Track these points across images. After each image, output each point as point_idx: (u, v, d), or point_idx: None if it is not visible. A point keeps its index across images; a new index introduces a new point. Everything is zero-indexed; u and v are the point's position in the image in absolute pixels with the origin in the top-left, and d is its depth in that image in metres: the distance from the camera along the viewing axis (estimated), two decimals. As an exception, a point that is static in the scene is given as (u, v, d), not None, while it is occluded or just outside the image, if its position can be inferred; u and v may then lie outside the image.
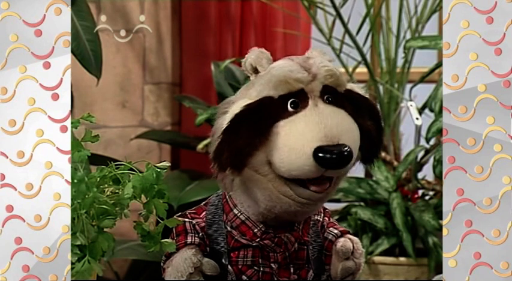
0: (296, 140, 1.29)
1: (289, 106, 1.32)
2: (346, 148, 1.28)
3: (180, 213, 1.43)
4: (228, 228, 1.40)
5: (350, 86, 1.38)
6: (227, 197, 1.41)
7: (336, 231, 1.45)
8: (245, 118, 1.32)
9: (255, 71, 1.38)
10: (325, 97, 1.34)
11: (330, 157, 1.27)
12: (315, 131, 1.29)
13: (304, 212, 1.37)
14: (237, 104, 1.34)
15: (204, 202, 1.45)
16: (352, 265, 1.40)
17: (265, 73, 1.35)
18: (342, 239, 1.42)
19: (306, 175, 1.30)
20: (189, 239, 1.39)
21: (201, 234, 1.40)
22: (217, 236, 1.40)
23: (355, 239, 1.43)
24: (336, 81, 1.35)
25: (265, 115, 1.31)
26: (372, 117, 1.37)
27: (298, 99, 1.33)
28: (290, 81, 1.32)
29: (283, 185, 1.32)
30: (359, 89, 1.39)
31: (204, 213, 1.42)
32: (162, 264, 1.40)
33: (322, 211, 1.47)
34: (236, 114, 1.32)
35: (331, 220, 1.48)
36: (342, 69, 2.95)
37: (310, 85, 1.33)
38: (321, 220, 1.46)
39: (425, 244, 2.70)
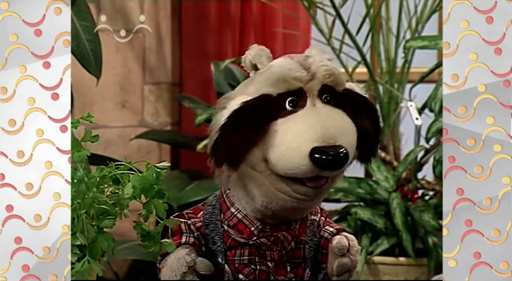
0: (293, 139, 1.29)
1: (287, 105, 1.33)
2: (342, 150, 1.28)
3: (177, 213, 1.43)
4: (225, 227, 1.40)
5: (349, 85, 1.38)
6: (224, 196, 1.42)
7: (331, 229, 1.45)
8: (243, 115, 1.32)
9: (255, 67, 1.38)
10: (323, 96, 1.34)
11: (326, 158, 1.28)
12: (312, 132, 1.29)
13: (301, 208, 1.37)
14: (235, 100, 1.35)
15: (202, 203, 1.45)
16: (348, 262, 1.40)
17: (264, 70, 1.35)
18: (337, 237, 1.42)
19: (302, 174, 1.30)
20: (183, 239, 1.39)
21: (196, 234, 1.40)
22: (214, 236, 1.40)
23: (351, 236, 1.43)
24: (334, 80, 1.35)
25: (263, 112, 1.32)
26: (370, 117, 1.37)
27: (297, 97, 1.33)
28: (289, 80, 1.33)
29: (279, 181, 1.32)
30: (358, 88, 1.39)
31: (201, 213, 1.43)
32: (157, 264, 1.40)
33: (319, 211, 1.47)
34: (234, 111, 1.32)
35: (328, 219, 1.49)
36: (342, 69, 2.95)
37: (308, 84, 1.33)
38: (317, 219, 1.46)
39: (425, 244, 2.70)
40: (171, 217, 1.40)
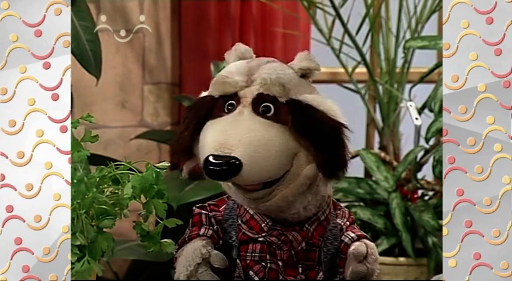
0: (203, 143, 1.32)
1: (225, 108, 1.34)
2: (232, 161, 1.27)
3: (200, 204, 1.44)
4: (239, 222, 1.40)
5: (303, 97, 1.33)
6: None
7: (352, 234, 1.43)
8: (189, 111, 1.37)
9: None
10: (261, 105, 1.32)
11: (213, 168, 1.27)
12: (214, 139, 1.29)
13: (272, 210, 1.36)
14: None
15: (226, 195, 1.45)
16: (364, 270, 1.37)
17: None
18: (356, 243, 1.40)
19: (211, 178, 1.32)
20: (202, 231, 1.40)
21: (215, 227, 1.41)
22: (231, 230, 1.41)
23: (371, 244, 1.40)
24: (267, 89, 1.32)
25: (202, 112, 1.34)
26: (322, 131, 1.32)
27: (236, 103, 1.33)
28: (225, 84, 1.34)
29: (225, 184, 1.38)
30: (313, 100, 1.34)
31: (223, 206, 1.43)
32: (174, 252, 1.40)
33: (346, 215, 1.46)
34: (187, 107, 1.39)
35: (353, 225, 1.46)
36: (342, 69, 2.95)
37: (243, 91, 1.33)
38: (342, 223, 1.44)
39: (425, 244, 2.70)
40: (194, 207, 1.42)
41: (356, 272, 1.38)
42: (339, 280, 1.41)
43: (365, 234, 1.44)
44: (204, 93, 1.38)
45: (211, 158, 1.27)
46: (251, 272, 1.39)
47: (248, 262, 1.39)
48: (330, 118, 1.33)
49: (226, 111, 1.33)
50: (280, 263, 1.39)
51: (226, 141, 1.28)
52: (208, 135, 1.31)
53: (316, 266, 1.40)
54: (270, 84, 1.32)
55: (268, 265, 1.39)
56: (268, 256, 1.39)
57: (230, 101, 1.33)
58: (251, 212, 1.40)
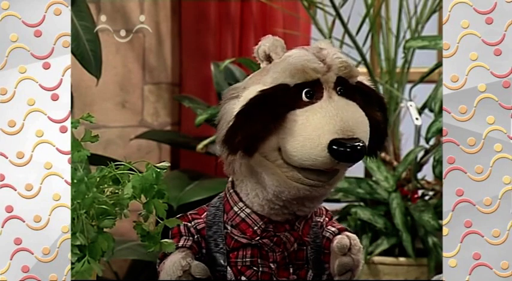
0: (312, 130, 1.30)
1: (304, 95, 1.33)
2: (360, 142, 1.29)
3: (181, 214, 1.43)
4: (228, 228, 1.40)
5: (360, 78, 1.40)
6: (228, 195, 1.42)
7: (333, 229, 1.45)
8: (261, 103, 1.32)
9: (268, 58, 1.38)
10: (338, 88, 1.35)
11: (344, 150, 1.28)
12: (332, 124, 1.29)
13: (313, 197, 1.36)
14: (250, 89, 1.35)
15: (207, 204, 1.45)
16: (350, 261, 1.39)
17: (281, 61, 1.35)
18: (338, 236, 1.41)
19: (318, 166, 1.30)
20: (180, 242, 1.39)
21: (196, 236, 1.40)
22: (217, 238, 1.40)
23: (353, 235, 1.42)
24: (349, 72, 1.36)
25: (281, 101, 1.32)
26: (381, 109, 1.39)
27: (313, 89, 1.33)
28: (307, 71, 1.33)
29: (292, 170, 1.32)
30: (367, 81, 1.41)
31: (204, 214, 1.42)
32: (157, 267, 1.40)
33: (324, 212, 1.47)
34: (251, 99, 1.32)
35: (332, 220, 1.48)
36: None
37: (325, 76, 1.34)
38: (321, 220, 1.46)
39: (425, 244, 2.70)
40: (175, 217, 1.40)
41: (342, 265, 1.39)
42: (327, 277, 1.42)
43: (345, 227, 1.47)
44: (260, 87, 1.34)
45: (337, 142, 1.28)
46: (243, 278, 1.38)
47: (239, 267, 1.39)
48: (383, 98, 1.44)
49: (305, 99, 1.33)
50: (272, 265, 1.38)
51: (345, 124, 1.30)
52: (316, 122, 1.30)
53: (304, 264, 1.41)
54: (350, 68, 1.36)
55: (261, 269, 1.38)
56: (259, 260, 1.39)
57: (307, 89, 1.33)
58: (242, 215, 1.39)
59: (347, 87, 1.35)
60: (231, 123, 1.32)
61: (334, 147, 1.28)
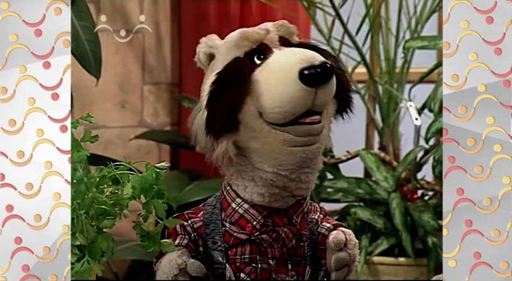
0: (278, 75, 1.33)
1: (256, 60, 1.37)
2: (326, 62, 1.33)
3: (177, 214, 1.43)
4: (227, 225, 1.40)
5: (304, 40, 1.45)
6: (225, 192, 1.42)
7: (328, 225, 1.45)
8: (222, 80, 1.36)
9: (211, 58, 1.44)
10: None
11: (315, 71, 1.31)
12: (292, 60, 1.33)
13: (310, 159, 1.37)
14: (207, 82, 1.39)
15: (202, 204, 1.46)
16: (346, 256, 1.40)
17: (222, 46, 1.42)
18: (334, 232, 1.42)
19: (298, 102, 1.32)
20: (176, 241, 1.39)
21: (193, 235, 1.41)
22: (215, 236, 1.40)
23: (348, 231, 1.43)
24: (287, 30, 1.41)
25: (239, 70, 1.36)
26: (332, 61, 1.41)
27: (262, 53, 1.38)
28: (249, 37, 1.38)
29: (281, 132, 1.35)
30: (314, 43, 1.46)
31: (201, 213, 1.43)
32: (153, 266, 1.41)
33: (318, 209, 1.47)
34: (212, 82, 1.37)
35: (326, 217, 1.48)
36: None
37: (267, 38, 1.39)
38: (316, 217, 1.46)
39: (425, 244, 2.70)
40: (172, 217, 1.40)
41: (339, 260, 1.39)
42: (324, 273, 1.43)
43: (340, 223, 1.47)
44: (214, 74, 1.38)
45: (306, 68, 1.32)
46: (242, 275, 1.39)
47: (238, 264, 1.39)
48: (335, 55, 1.48)
49: (259, 61, 1.37)
50: (271, 261, 1.39)
51: (306, 55, 1.34)
52: (277, 68, 1.34)
53: (302, 261, 1.41)
54: (285, 25, 1.41)
55: (259, 265, 1.39)
56: (258, 257, 1.39)
57: (257, 54, 1.38)
58: (240, 211, 1.39)
59: (292, 46, 1.39)
60: (205, 113, 1.35)
61: (305, 72, 1.31)
